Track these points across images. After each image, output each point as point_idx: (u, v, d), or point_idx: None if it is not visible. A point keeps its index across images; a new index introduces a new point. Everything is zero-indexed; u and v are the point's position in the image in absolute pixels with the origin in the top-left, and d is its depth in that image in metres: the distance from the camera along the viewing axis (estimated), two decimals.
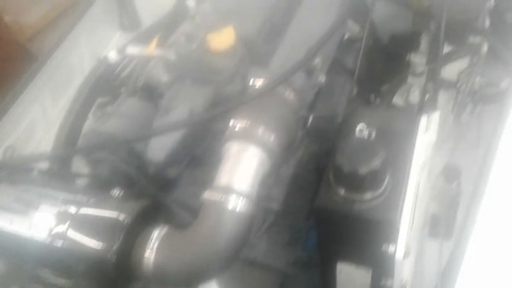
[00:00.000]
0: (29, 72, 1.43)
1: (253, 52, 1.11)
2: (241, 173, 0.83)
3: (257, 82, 0.92)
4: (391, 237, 0.81)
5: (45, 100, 1.48)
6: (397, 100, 1.29)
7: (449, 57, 1.18)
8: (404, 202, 0.83)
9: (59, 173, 1.06)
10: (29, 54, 2.81)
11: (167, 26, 1.49)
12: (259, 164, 0.84)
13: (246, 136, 0.85)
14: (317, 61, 1.00)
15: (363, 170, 0.80)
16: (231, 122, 0.87)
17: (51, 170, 1.05)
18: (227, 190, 0.81)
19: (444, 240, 1.00)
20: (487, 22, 1.16)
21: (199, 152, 1.05)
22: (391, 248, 0.81)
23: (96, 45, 1.71)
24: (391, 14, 1.43)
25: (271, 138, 0.86)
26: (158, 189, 1.03)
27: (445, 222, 1.01)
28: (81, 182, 1.11)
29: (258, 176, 0.84)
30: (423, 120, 0.96)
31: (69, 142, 1.16)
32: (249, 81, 0.94)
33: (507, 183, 0.89)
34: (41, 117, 1.46)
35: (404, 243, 0.81)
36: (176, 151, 1.00)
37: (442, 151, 1.15)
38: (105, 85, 1.25)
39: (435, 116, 1.06)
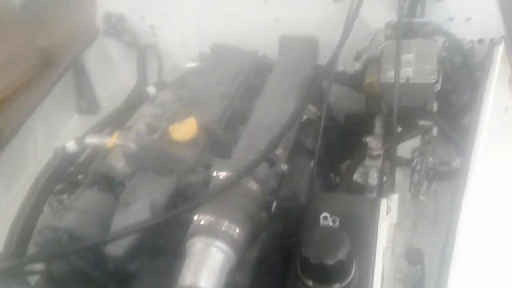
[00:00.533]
0: None
1: (214, 140, 1.13)
2: (206, 272, 0.80)
3: (221, 174, 0.93)
4: None
5: None
6: (357, 178, 1.32)
7: (402, 138, 1.24)
8: None
9: (14, 271, 1.00)
10: None
11: (125, 112, 1.50)
12: (225, 260, 0.82)
13: (210, 231, 0.84)
14: (279, 151, 1.02)
15: (330, 261, 0.80)
16: (196, 217, 0.86)
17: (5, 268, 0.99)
18: None
19: None
20: (435, 106, 1.23)
21: (159, 243, 1.02)
22: None
23: (52, 130, 1.69)
24: (346, 97, 1.51)
25: (236, 231, 0.84)
26: (117, 285, 0.99)
27: None
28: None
29: (223, 272, 0.82)
30: (383, 203, 0.99)
31: (23, 238, 1.11)
32: (212, 173, 0.94)
33: (470, 264, 0.90)
34: None
35: None
36: (136, 245, 0.97)
37: (402, 230, 1.17)
38: (62, 175, 1.23)
39: (394, 198, 1.09)
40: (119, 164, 1.12)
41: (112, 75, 1.94)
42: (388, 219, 1.01)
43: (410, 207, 1.24)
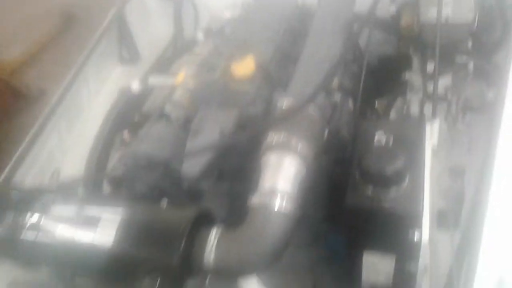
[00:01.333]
0: (47, 109, 1.50)
1: (269, 78, 1.24)
2: (283, 177, 0.94)
3: (287, 102, 1.04)
4: (416, 224, 0.93)
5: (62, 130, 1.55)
6: (393, 114, 1.43)
7: (442, 71, 1.34)
8: (423, 194, 0.96)
9: (98, 193, 1.14)
10: (11, 88, 2.87)
11: (168, 60, 1.60)
12: (297, 170, 0.95)
13: (283, 147, 0.96)
14: (334, 81, 1.13)
15: (389, 170, 0.92)
16: (269, 136, 0.98)
17: (92, 191, 1.13)
18: (272, 193, 0.92)
19: (453, 231, 1.13)
20: (470, 44, 1.33)
21: (226, 168, 1.15)
22: (417, 235, 0.93)
23: (101, 79, 1.81)
24: (377, 41, 1.60)
25: (304, 147, 0.97)
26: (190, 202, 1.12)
27: (452, 216, 1.13)
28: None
29: (297, 180, 0.95)
30: (428, 127, 1.10)
31: (100, 166, 1.24)
32: (278, 102, 1.05)
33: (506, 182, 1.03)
34: (59, 144, 1.53)
35: (427, 229, 0.93)
36: (207, 168, 1.10)
37: (441, 152, 1.29)
38: (128, 115, 1.34)
39: (436, 123, 1.21)
40: (184, 101, 1.24)
41: (150, 27, 2.03)
42: (430, 142, 1.13)
43: (447, 136, 1.35)
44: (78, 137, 1.51)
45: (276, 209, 0.90)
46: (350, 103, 1.31)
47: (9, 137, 2.40)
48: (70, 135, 1.55)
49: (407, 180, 0.96)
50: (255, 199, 0.92)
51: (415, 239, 0.94)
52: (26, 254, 0.97)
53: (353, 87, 1.31)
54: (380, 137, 1.02)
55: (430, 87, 1.35)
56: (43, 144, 1.44)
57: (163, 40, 1.92)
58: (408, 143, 1.03)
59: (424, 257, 0.98)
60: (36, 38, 3.50)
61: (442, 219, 1.14)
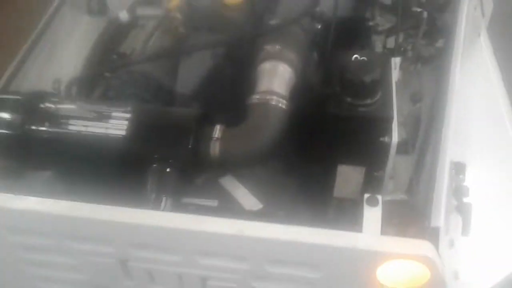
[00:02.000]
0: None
1: (255, 5, 1.34)
2: (278, 82, 1.06)
3: (277, 20, 1.17)
4: (387, 130, 1.09)
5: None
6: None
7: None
8: (393, 105, 1.12)
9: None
10: None
11: None
12: (289, 77, 1.08)
13: (277, 57, 1.09)
14: (318, 9, 1.27)
15: (368, 78, 1.07)
16: (265, 47, 1.10)
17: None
18: (269, 93, 1.04)
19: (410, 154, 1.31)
20: None
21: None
22: (387, 139, 1.09)
23: (70, 30, 1.81)
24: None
25: (294, 58, 1.10)
26: None
27: (411, 141, 1.32)
28: None
29: (289, 85, 1.08)
30: (393, 60, 1.28)
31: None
32: (269, 20, 1.18)
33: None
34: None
35: (396, 134, 1.10)
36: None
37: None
38: (117, 45, 1.40)
39: (398, 60, 1.39)
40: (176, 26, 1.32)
41: None
42: (395, 72, 1.30)
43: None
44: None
45: (273, 105, 1.03)
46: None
47: None
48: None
49: (379, 92, 1.12)
50: (254, 98, 1.04)
51: (386, 142, 1.10)
52: (37, 153, 1.02)
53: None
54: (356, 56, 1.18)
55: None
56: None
57: None
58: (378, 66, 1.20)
59: (390, 164, 1.15)
60: None
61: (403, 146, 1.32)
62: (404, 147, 1.32)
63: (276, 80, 1.06)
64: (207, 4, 1.28)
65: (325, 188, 1.15)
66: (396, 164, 1.20)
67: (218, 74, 1.20)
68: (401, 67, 1.56)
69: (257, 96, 1.04)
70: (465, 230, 1.08)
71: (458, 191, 1.06)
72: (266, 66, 1.09)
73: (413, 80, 1.55)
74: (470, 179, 1.11)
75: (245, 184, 1.11)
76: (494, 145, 1.30)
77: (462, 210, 1.07)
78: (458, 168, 1.06)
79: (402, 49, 1.54)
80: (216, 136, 0.99)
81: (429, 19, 1.54)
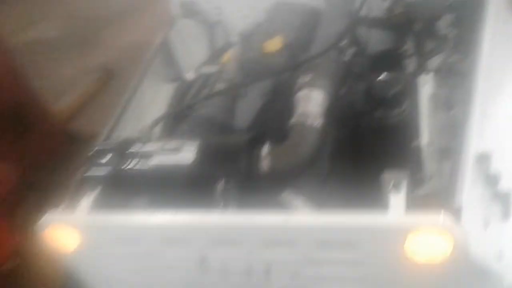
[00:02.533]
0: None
1: (293, 51, 1.59)
2: (311, 105, 1.30)
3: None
4: (414, 135, 1.26)
5: None
6: None
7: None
8: (418, 113, 1.29)
9: None
10: (66, 133, 3.30)
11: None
12: (322, 99, 1.30)
13: (310, 84, 1.32)
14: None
15: (390, 93, 1.27)
16: (300, 79, 1.34)
17: None
18: (305, 115, 1.28)
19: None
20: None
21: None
22: (416, 143, 1.25)
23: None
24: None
25: (327, 83, 1.32)
26: None
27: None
28: None
29: (322, 106, 1.30)
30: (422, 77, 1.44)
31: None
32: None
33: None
34: None
35: (425, 138, 1.26)
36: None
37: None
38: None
39: (428, 77, 1.54)
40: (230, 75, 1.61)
41: (189, 49, 2.44)
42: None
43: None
44: None
45: (308, 124, 1.24)
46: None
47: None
48: None
49: (404, 104, 1.30)
50: (293, 121, 1.28)
51: (415, 145, 1.26)
52: (128, 185, 1.31)
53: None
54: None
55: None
56: None
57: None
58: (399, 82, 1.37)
59: (426, 164, 1.29)
60: (82, 91, 4.07)
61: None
62: (444, 153, 1.46)
63: (310, 103, 1.29)
64: (253, 55, 1.56)
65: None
66: (437, 170, 1.34)
67: (266, 108, 1.45)
68: (436, 83, 1.71)
69: (295, 119, 1.27)
70: (504, 215, 1.19)
71: (488, 180, 1.17)
72: (301, 94, 1.31)
73: (447, 91, 1.69)
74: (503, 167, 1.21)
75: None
76: None
77: (498, 196, 1.18)
78: (484, 158, 1.18)
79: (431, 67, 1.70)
80: (265, 154, 1.22)
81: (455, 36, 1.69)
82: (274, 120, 1.40)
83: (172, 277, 1.29)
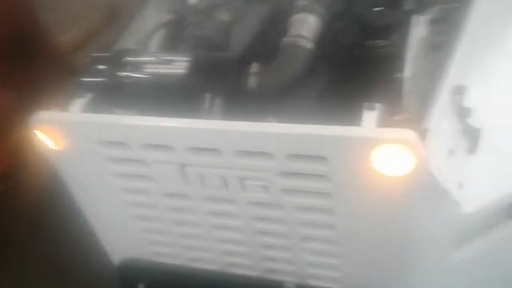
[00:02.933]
0: None
1: None
2: (306, 28, 1.32)
3: None
4: (399, 67, 1.28)
5: None
6: None
7: None
8: (406, 47, 1.32)
9: None
10: (68, 67, 3.34)
11: None
12: (316, 25, 1.33)
13: (306, 9, 1.34)
14: None
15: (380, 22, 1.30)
16: (297, 3, 1.36)
17: None
18: (298, 36, 1.31)
19: None
20: None
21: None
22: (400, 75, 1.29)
23: None
24: None
25: (323, 10, 1.34)
26: None
27: None
28: None
29: (316, 31, 1.33)
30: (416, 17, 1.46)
31: None
32: None
33: None
34: None
35: (408, 71, 1.30)
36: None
37: None
38: None
39: (423, 18, 1.55)
40: None
41: None
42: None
43: None
44: None
45: (300, 45, 1.29)
46: None
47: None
48: None
49: (394, 37, 1.33)
50: (284, 41, 1.32)
51: (399, 78, 1.29)
52: (123, 94, 1.35)
53: None
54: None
55: None
56: None
57: None
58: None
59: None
60: (87, 26, 4.08)
61: None
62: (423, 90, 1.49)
63: (304, 27, 1.32)
64: None
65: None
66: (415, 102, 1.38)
67: (262, 32, 1.47)
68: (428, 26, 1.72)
69: (287, 39, 1.31)
70: (470, 149, 1.24)
71: (460, 112, 1.22)
72: (297, 17, 1.35)
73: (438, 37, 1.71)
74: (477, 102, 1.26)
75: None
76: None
77: (467, 130, 1.23)
78: (458, 90, 1.22)
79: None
80: (253, 71, 1.27)
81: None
82: (267, 42, 1.43)
83: (153, 185, 1.36)
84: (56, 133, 1.34)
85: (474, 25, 1.40)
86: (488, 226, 1.35)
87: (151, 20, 2.08)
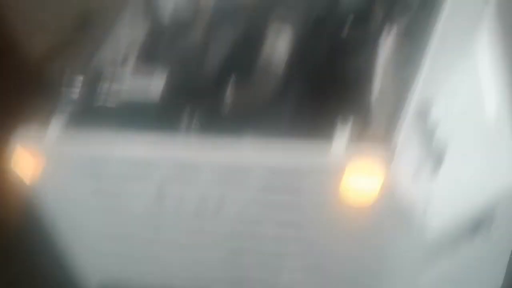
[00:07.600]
0: None
1: None
2: (281, 40, 1.36)
3: None
4: None
5: None
6: None
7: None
8: None
9: None
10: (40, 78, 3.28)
11: None
12: (291, 37, 1.37)
13: (282, 19, 1.39)
14: None
15: None
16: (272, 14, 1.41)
17: None
18: (273, 51, 1.36)
19: None
20: None
21: None
22: None
23: None
24: None
25: (298, 19, 1.38)
26: None
27: None
28: None
29: (290, 44, 1.36)
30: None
31: None
32: None
33: None
34: None
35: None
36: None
37: None
38: None
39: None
40: None
41: None
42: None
43: None
44: None
45: (273, 65, 1.33)
46: None
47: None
48: None
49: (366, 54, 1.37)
50: (260, 58, 1.36)
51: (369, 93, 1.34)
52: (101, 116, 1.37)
53: None
54: None
55: None
56: None
57: None
58: None
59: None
60: (59, 35, 4.04)
61: None
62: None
63: (279, 38, 1.37)
64: None
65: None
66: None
67: (239, 43, 1.47)
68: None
69: (262, 57, 1.36)
70: (434, 169, 1.26)
71: (425, 135, 1.22)
72: (271, 27, 1.39)
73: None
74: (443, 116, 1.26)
75: None
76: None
77: (431, 152, 1.26)
78: (423, 109, 1.22)
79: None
80: (230, 90, 1.31)
81: None
82: (244, 55, 1.47)
83: (131, 214, 1.37)
84: (35, 151, 1.35)
85: (439, 36, 1.46)
86: (454, 243, 1.37)
87: (126, 33, 2.11)
